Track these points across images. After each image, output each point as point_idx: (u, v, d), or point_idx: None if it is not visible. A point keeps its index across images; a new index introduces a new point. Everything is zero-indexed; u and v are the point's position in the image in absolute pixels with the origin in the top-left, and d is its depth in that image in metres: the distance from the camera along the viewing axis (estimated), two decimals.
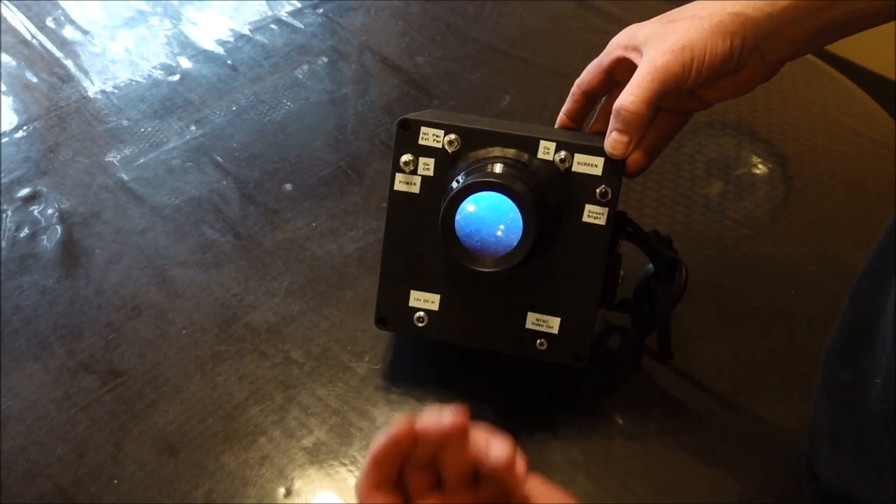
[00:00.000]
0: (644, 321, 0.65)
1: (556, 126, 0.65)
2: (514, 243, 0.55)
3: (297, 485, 0.60)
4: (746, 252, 0.76)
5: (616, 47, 0.59)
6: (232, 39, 1.02)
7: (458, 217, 0.55)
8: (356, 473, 0.60)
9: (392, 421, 0.63)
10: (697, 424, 0.63)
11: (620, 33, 0.60)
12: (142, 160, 0.86)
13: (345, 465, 0.61)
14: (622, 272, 0.63)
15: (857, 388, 0.46)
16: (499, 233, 0.55)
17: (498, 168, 0.56)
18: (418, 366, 0.67)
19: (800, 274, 0.74)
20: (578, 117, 0.64)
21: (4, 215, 0.80)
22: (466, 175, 0.56)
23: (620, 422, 0.63)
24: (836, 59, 1.14)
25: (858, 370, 0.46)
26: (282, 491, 0.59)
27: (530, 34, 1.03)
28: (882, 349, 0.45)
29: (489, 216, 0.55)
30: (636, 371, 0.66)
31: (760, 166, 0.86)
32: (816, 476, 0.51)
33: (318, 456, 0.61)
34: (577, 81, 0.63)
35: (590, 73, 0.62)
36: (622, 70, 0.59)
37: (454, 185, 0.56)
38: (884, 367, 0.44)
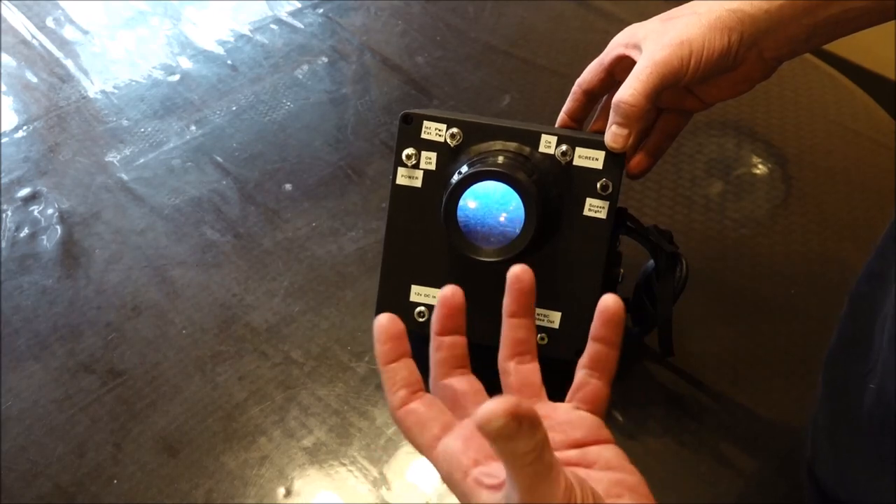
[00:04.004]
0: (644, 318, 0.65)
1: (556, 125, 0.65)
2: (516, 233, 0.55)
3: (297, 485, 0.59)
4: (746, 252, 0.76)
5: (616, 45, 0.60)
6: (232, 39, 1.02)
7: (460, 206, 0.56)
8: (356, 473, 0.60)
9: (391, 421, 0.63)
10: (697, 424, 0.63)
11: (621, 32, 0.60)
12: (142, 160, 0.86)
13: (345, 465, 0.60)
14: (622, 270, 0.63)
15: (853, 392, 0.46)
16: (501, 219, 0.56)
17: (500, 159, 0.56)
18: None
19: (800, 273, 0.74)
20: (579, 116, 0.64)
21: (4, 215, 0.80)
22: (469, 167, 0.56)
23: (620, 421, 0.63)
24: (836, 59, 1.14)
25: (855, 373, 0.46)
26: (282, 491, 0.59)
27: (530, 34, 1.03)
28: (877, 354, 0.45)
29: (491, 206, 0.56)
30: (636, 370, 0.66)
31: (760, 166, 0.86)
32: (816, 477, 0.51)
33: (318, 456, 0.61)
34: (578, 80, 0.63)
35: (591, 72, 0.62)
36: (622, 68, 0.59)
37: (457, 176, 0.56)
38: (878, 373, 0.44)
